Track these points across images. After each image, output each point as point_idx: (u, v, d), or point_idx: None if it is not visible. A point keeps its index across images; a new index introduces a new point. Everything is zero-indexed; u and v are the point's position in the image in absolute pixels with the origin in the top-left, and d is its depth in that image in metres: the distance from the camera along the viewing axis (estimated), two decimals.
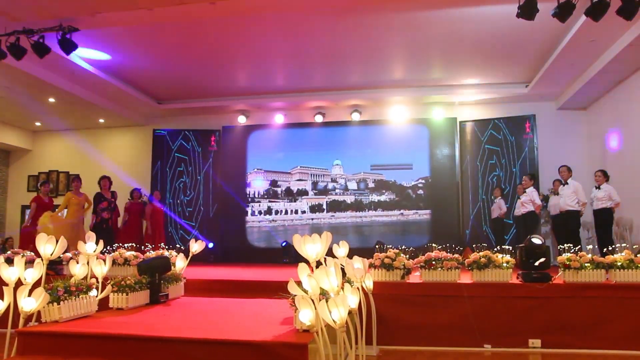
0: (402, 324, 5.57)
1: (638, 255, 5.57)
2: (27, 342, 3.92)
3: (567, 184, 8.59)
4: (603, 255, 5.97)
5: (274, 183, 12.33)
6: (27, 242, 8.84)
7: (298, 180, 12.26)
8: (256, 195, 12.32)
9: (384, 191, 11.94)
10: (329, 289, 3.37)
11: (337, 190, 12.12)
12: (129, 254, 6.88)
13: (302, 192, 12.22)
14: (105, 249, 6.59)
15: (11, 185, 13.80)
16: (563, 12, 5.86)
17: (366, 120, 11.93)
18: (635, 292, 5.37)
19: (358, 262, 4.67)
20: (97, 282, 4.94)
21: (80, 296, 4.50)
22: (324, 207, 12.12)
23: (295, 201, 12.23)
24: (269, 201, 12.27)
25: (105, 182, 9.56)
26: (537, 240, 5.86)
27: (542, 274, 5.61)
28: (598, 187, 8.28)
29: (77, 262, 4.91)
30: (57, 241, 4.53)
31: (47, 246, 4.46)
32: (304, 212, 12.18)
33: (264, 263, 10.78)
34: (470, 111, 11.53)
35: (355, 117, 11.79)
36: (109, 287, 4.92)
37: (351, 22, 7.84)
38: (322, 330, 3.23)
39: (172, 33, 8.17)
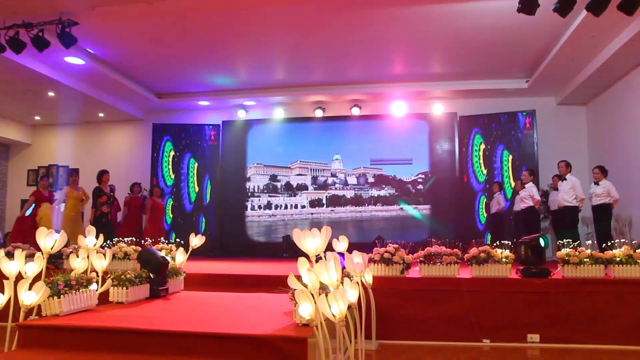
0: (401, 319, 5.59)
1: (637, 250, 5.58)
2: (28, 336, 3.93)
3: (565, 179, 8.59)
4: (602, 250, 5.99)
5: (273, 177, 12.34)
6: (18, 231, 8.88)
7: (298, 174, 12.26)
8: (256, 190, 12.33)
9: (383, 186, 11.94)
10: (328, 284, 3.38)
11: (336, 185, 12.13)
12: (129, 248, 6.89)
13: (302, 187, 12.22)
14: (105, 243, 6.60)
15: (11, 179, 13.80)
16: (564, 7, 5.86)
17: (366, 114, 11.93)
18: (634, 287, 5.39)
19: (358, 257, 4.68)
20: (97, 276, 4.94)
21: (80, 290, 4.51)
22: (324, 201, 12.13)
23: (295, 196, 12.23)
24: (269, 196, 12.28)
25: (107, 177, 9.55)
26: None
27: (541, 269, 5.63)
28: (597, 183, 8.28)
29: (77, 256, 4.91)
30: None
31: (48, 240, 4.46)
32: (303, 206, 12.19)
33: (263, 257, 10.81)
34: (470, 106, 11.51)
35: (355, 111, 11.78)
36: (109, 281, 4.92)
37: (351, 17, 7.82)
38: (321, 324, 3.24)
39: (172, 27, 8.14)
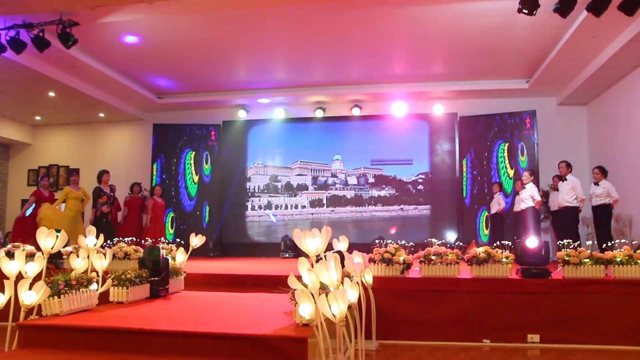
0: (401, 319, 5.58)
1: (637, 251, 5.58)
2: (28, 335, 3.93)
3: (565, 179, 8.59)
4: (602, 251, 5.98)
5: (274, 178, 12.33)
6: (19, 232, 8.88)
7: (298, 175, 12.26)
8: (256, 190, 12.33)
9: (384, 186, 11.94)
10: (328, 284, 3.38)
11: (337, 185, 12.13)
12: (129, 247, 6.89)
13: (302, 187, 12.22)
14: (105, 243, 6.61)
15: (11, 179, 13.79)
16: (564, 8, 5.86)
17: (366, 115, 11.93)
18: (634, 288, 5.39)
19: (358, 257, 4.68)
20: (98, 275, 4.94)
21: (80, 290, 4.51)
22: (324, 202, 12.13)
23: (295, 196, 12.23)
24: (269, 196, 12.28)
25: (107, 177, 9.56)
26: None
27: (541, 269, 5.63)
28: (596, 184, 8.28)
29: (78, 256, 4.91)
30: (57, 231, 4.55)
31: (48, 240, 4.46)
32: (304, 207, 12.18)
33: (264, 257, 10.81)
34: (470, 106, 11.51)
35: (356, 112, 11.78)
36: (109, 281, 4.92)
37: (352, 17, 7.82)
38: (321, 324, 3.24)
39: (172, 26, 8.14)
